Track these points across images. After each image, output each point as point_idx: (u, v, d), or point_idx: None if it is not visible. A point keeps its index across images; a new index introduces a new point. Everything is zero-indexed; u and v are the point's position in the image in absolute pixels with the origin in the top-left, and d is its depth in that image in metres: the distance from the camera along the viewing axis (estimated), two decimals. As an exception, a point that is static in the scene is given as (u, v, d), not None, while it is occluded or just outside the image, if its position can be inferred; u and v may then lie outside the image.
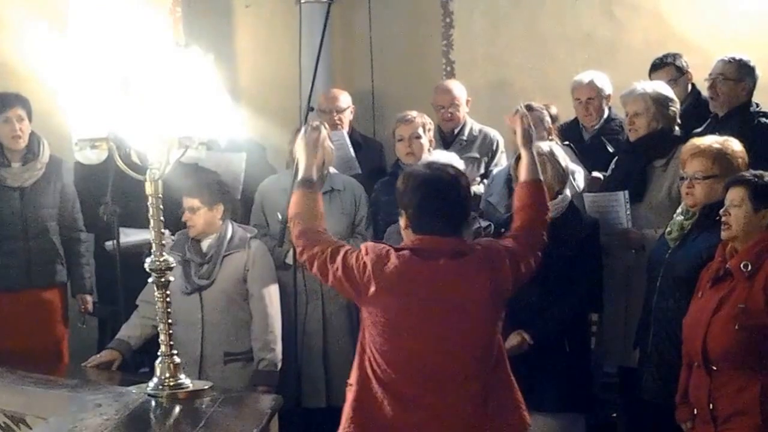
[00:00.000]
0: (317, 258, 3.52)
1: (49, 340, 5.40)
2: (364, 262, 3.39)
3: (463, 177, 3.56)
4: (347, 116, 6.20)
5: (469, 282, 3.37)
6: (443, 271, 3.36)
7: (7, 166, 5.33)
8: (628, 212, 4.84)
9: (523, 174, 3.78)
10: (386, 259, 3.37)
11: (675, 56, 6.02)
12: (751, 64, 5.34)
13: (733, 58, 5.33)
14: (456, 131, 6.00)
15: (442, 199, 3.43)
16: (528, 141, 3.82)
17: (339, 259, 3.45)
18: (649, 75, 5.91)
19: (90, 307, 5.61)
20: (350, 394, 3.45)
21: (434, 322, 3.35)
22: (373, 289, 3.36)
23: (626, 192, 4.86)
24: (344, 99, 6.24)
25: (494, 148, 5.99)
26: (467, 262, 3.40)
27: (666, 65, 5.98)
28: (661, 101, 4.98)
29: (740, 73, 5.29)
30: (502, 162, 5.96)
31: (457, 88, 6.17)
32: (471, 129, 6.02)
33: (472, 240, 3.78)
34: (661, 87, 5.13)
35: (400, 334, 3.36)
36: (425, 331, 3.35)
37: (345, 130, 6.06)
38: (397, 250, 3.41)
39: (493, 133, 6.03)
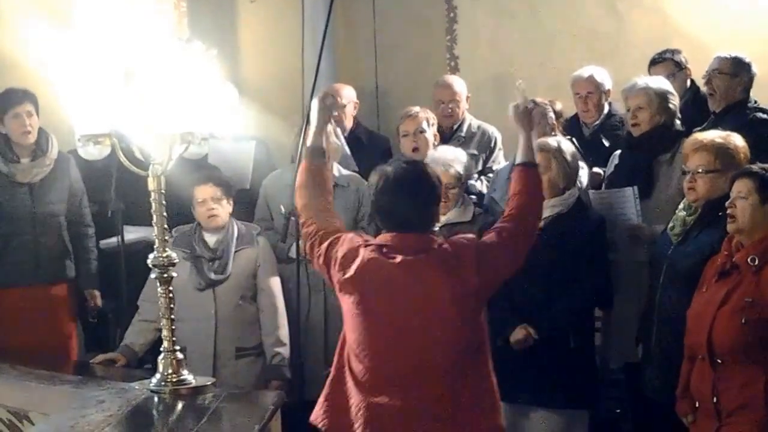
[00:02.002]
0: (310, 238, 3.53)
1: (57, 336, 5.39)
2: (337, 253, 3.41)
3: (431, 174, 3.49)
4: (349, 111, 6.17)
5: (424, 280, 3.32)
6: (400, 269, 3.33)
7: (16, 161, 5.33)
8: (638, 208, 4.82)
9: (518, 156, 3.69)
10: (355, 253, 3.37)
11: (674, 51, 6.02)
12: (747, 60, 5.34)
13: (729, 54, 5.35)
14: (454, 127, 5.98)
15: (402, 195, 3.39)
16: (525, 121, 3.71)
17: (325, 246, 3.46)
18: (648, 70, 5.91)
19: (99, 301, 5.60)
20: (327, 381, 3.48)
21: (394, 319, 3.33)
22: (337, 281, 3.40)
23: (635, 188, 4.83)
24: (346, 93, 6.20)
25: (492, 144, 5.96)
26: (425, 260, 3.35)
27: (665, 60, 5.98)
28: (662, 95, 4.99)
29: (735, 68, 5.30)
30: (500, 159, 5.94)
31: (458, 83, 6.14)
32: (470, 125, 6.00)
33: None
34: (662, 81, 5.15)
35: (364, 329, 3.36)
36: (386, 328, 3.34)
37: (347, 125, 6.05)
38: (367, 245, 3.40)
39: (492, 130, 6.01)
